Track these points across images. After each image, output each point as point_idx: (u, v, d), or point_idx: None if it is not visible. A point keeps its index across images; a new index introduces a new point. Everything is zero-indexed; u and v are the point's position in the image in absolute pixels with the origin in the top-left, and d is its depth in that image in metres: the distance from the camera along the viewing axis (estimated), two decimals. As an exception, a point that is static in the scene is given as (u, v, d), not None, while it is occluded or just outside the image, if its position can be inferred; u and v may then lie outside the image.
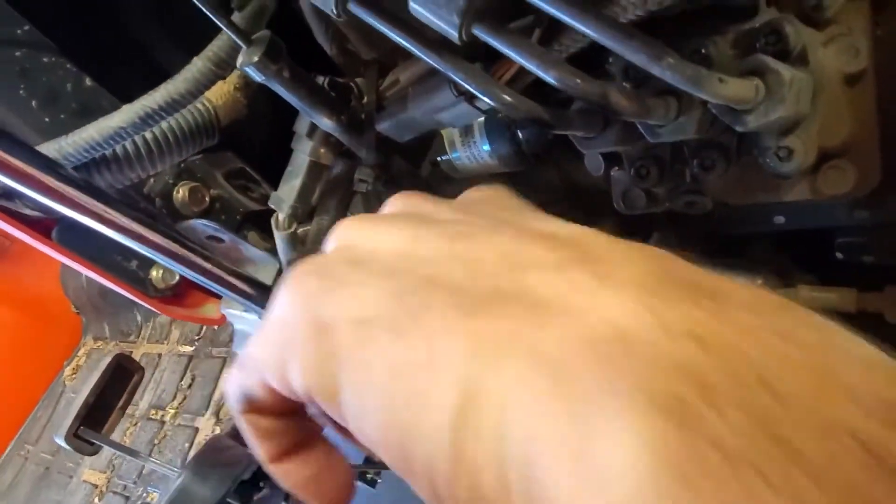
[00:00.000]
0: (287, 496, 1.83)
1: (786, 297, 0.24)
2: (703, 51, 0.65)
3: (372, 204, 1.33)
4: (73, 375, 3.00)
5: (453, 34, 0.54)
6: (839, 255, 0.78)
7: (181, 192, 0.96)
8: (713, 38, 0.66)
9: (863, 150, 0.62)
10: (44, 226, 0.94)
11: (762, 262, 0.86)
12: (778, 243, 0.87)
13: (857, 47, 0.61)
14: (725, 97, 0.48)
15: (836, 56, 0.61)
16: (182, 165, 0.97)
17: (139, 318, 2.85)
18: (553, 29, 0.63)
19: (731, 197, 0.71)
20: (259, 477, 1.76)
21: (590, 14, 0.48)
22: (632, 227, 1.05)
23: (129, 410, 2.43)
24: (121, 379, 1.72)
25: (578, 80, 0.50)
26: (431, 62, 0.58)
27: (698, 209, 0.73)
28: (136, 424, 2.34)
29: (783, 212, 0.75)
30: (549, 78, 0.51)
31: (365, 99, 0.82)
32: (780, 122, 0.57)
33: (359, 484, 2.14)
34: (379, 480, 2.20)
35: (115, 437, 2.19)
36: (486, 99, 0.55)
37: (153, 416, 2.31)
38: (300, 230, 1.03)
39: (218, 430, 2.00)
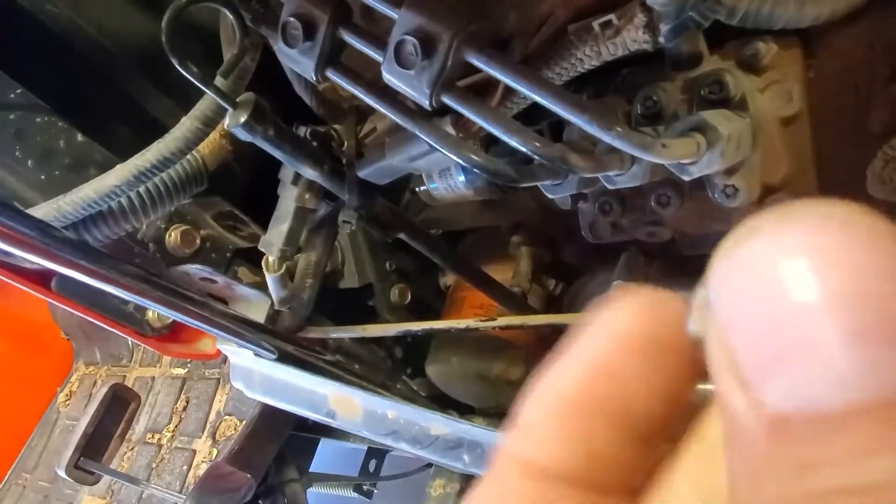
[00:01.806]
0: (287, 515, 1.88)
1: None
2: (654, 97, 0.71)
3: (356, 234, 1.38)
4: (67, 402, 3.01)
5: (424, 102, 0.60)
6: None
7: (173, 236, 1.01)
8: (663, 85, 0.72)
9: (800, 184, 0.69)
10: (42, 275, 0.98)
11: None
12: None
13: (790, 92, 0.67)
14: (669, 158, 0.54)
15: (772, 101, 0.67)
16: (172, 210, 1.02)
17: (130, 342, 2.87)
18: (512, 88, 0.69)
19: (687, 226, 0.77)
20: (258, 496, 1.80)
21: (546, 88, 0.54)
22: (602, 248, 1.12)
23: (125, 435, 2.46)
24: (118, 408, 1.76)
25: (538, 144, 0.56)
26: (406, 126, 0.63)
27: (658, 238, 0.79)
28: (133, 449, 2.37)
29: (737, 237, 0.82)
30: (513, 142, 0.57)
31: (345, 145, 0.87)
32: (723, 169, 0.64)
33: (355, 495, 2.19)
34: (375, 491, 2.25)
35: (113, 462, 2.22)
36: (456, 159, 0.61)
37: (150, 441, 2.34)
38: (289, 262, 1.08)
39: (215, 452, 2.04)
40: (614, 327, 0.21)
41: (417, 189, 1.15)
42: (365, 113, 0.90)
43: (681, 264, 1.00)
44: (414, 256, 1.50)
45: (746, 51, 0.68)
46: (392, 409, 0.86)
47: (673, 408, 0.21)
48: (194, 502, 1.19)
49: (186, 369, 2.49)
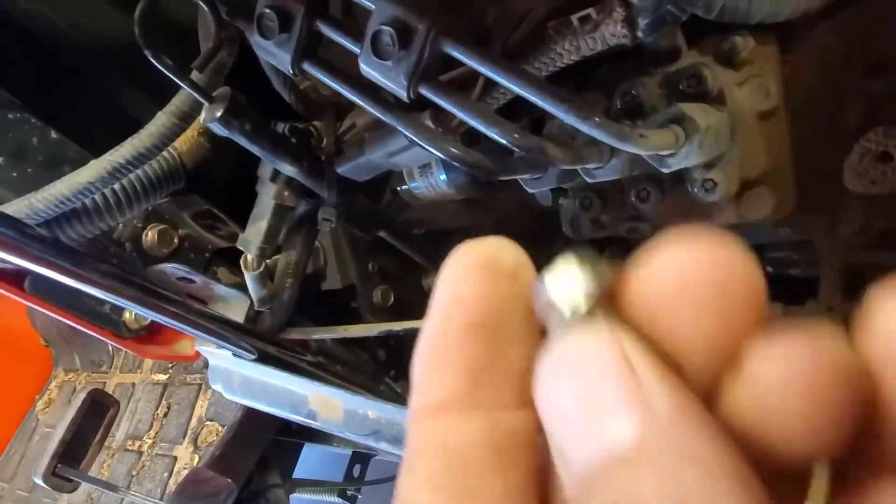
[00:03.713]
0: (269, 520, 1.86)
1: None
2: (632, 92, 0.71)
3: (338, 231, 1.37)
4: (46, 409, 2.96)
5: (402, 94, 0.59)
6: (769, 269, 0.85)
7: (150, 235, 0.99)
8: (642, 79, 0.72)
9: (778, 178, 0.69)
10: (16, 275, 0.96)
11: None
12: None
13: (767, 87, 0.67)
14: (648, 149, 0.54)
15: (750, 95, 0.68)
16: (149, 209, 1.00)
17: (110, 348, 2.83)
18: (492, 81, 0.69)
19: (668, 222, 0.77)
20: (241, 502, 1.78)
21: (525, 78, 0.54)
22: (586, 242, 1.12)
23: (105, 442, 2.42)
24: (96, 414, 1.73)
25: (517, 136, 0.55)
26: (384, 119, 0.63)
27: (639, 234, 0.79)
28: (113, 456, 2.33)
29: (717, 232, 0.82)
30: (492, 134, 0.56)
31: (324, 142, 0.86)
32: (702, 161, 0.64)
33: (339, 501, 2.17)
34: (360, 497, 2.23)
35: (93, 470, 2.18)
36: (434, 152, 0.60)
37: (130, 447, 2.30)
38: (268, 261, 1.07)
39: (196, 458, 2.01)
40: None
41: (399, 188, 1.14)
42: (344, 109, 0.89)
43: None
44: (397, 257, 1.49)
45: (724, 45, 0.68)
46: (373, 409, 0.85)
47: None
48: (173, 508, 1.17)
49: (167, 375, 2.45)
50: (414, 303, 1.53)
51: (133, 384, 2.57)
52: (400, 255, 1.51)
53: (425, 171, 1.07)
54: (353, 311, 1.47)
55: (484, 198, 1.17)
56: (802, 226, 0.75)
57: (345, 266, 1.41)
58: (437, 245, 1.45)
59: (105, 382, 2.74)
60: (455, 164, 0.60)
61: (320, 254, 1.39)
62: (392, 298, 1.46)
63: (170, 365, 2.48)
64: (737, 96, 0.67)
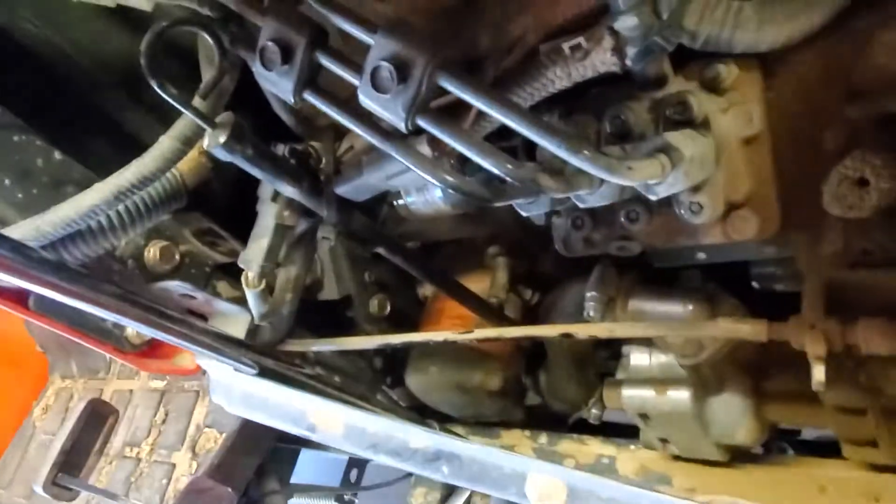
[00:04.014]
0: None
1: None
2: (621, 117, 0.74)
3: (335, 246, 1.39)
4: (43, 416, 2.97)
5: (400, 125, 0.61)
6: (755, 285, 0.87)
7: (152, 252, 1.01)
8: (630, 104, 0.75)
9: (762, 200, 0.72)
10: (19, 293, 0.98)
11: (692, 289, 0.95)
12: (705, 272, 0.96)
13: (751, 113, 0.70)
14: (634, 179, 0.56)
15: (734, 121, 0.70)
16: (152, 227, 1.02)
17: (107, 354, 2.84)
18: (489, 107, 0.71)
19: (656, 241, 0.80)
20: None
21: (517, 112, 0.56)
22: (576, 259, 1.14)
23: (104, 450, 2.43)
24: (96, 423, 1.75)
25: (510, 166, 0.58)
26: (383, 148, 0.65)
27: (629, 252, 0.82)
28: (111, 463, 2.35)
29: (703, 250, 0.85)
30: (486, 164, 0.59)
31: (323, 162, 0.89)
32: (687, 188, 0.66)
33: (337, 506, 2.19)
34: (356, 501, 2.25)
35: (92, 477, 2.20)
36: (435, 183, 0.63)
37: (128, 455, 2.31)
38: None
39: (195, 465, 2.03)
40: None
41: (395, 203, 1.16)
42: (342, 131, 0.91)
43: (652, 275, 1.03)
44: (393, 267, 1.51)
45: (708, 72, 0.71)
46: (372, 423, 0.87)
47: None
48: (175, 518, 1.19)
49: (165, 381, 2.47)
50: (410, 312, 1.55)
51: (131, 391, 2.59)
52: (396, 266, 1.54)
53: (422, 188, 1.09)
54: (350, 320, 1.49)
55: (478, 212, 1.20)
56: (786, 244, 0.77)
57: (342, 277, 1.43)
58: (432, 255, 1.47)
59: (102, 389, 2.75)
60: (455, 192, 0.63)
61: (317, 265, 1.41)
62: (389, 308, 1.49)
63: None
64: (721, 122, 0.70)
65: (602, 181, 0.66)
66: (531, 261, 1.33)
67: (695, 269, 0.98)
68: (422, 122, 0.61)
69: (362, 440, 0.87)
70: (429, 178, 0.63)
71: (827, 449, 1.18)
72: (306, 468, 2.31)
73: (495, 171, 0.58)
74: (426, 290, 1.55)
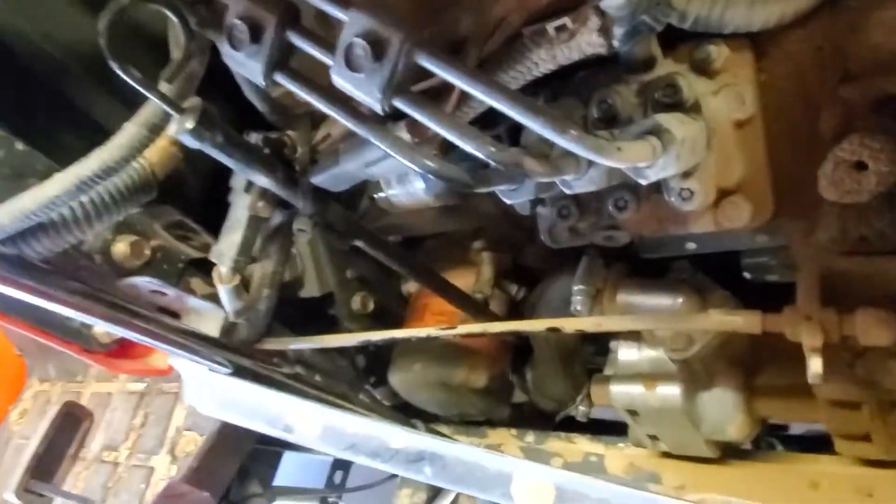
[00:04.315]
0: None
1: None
2: (609, 101, 0.71)
3: (315, 242, 1.35)
4: (21, 420, 2.89)
5: (376, 107, 0.58)
6: (746, 275, 0.85)
7: (121, 247, 0.97)
8: (617, 88, 0.72)
9: (755, 187, 0.69)
10: (-20, 291, 0.93)
11: (681, 281, 0.93)
12: (695, 263, 0.93)
13: (743, 96, 0.67)
14: (624, 161, 0.53)
15: (726, 104, 0.68)
16: (120, 220, 0.98)
17: (75, 354, 2.77)
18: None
19: (645, 230, 0.77)
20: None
21: (501, 91, 0.53)
22: (563, 251, 1.11)
23: (80, 454, 2.36)
24: (70, 427, 1.70)
25: (493, 149, 0.55)
26: (360, 132, 0.62)
27: (617, 242, 0.79)
28: (88, 468, 2.28)
29: (694, 239, 0.82)
30: (468, 148, 0.56)
31: (298, 152, 0.85)
32: (678, 173, 0.63)
33: (321, 509, 2.15)
34: (341, 503, 2.21)
35: (67, 483, 2.13)
36: (411, 166, 0.59)
37: (106, 459, 2.25)
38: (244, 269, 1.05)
39: (174, 469, 1.97)
40: None
41: (376, 196, 1.13)
42: (319, 119, 0.88)
43: (640, 267, 1.00)
44: (375, 263, 1.48)
45: (698, 54, 0.68)
46: (351, 423, 0.83)
47: None
48: (149, 524, 1.14)
49: (145, 384, 2.40)
50: (393, 309, 1.51)
51: (109, 394, 2.52)
52: (379, 261, 1.50)
53: (403, 180, 1.05)
54: (332, 318, 1.45)
55: (462, 204, 1.17)
56: (779, 232, 0.75)
57: (322, 273, 1.39)
58: (414, 251, 1.44)
59: (80, 392, 2.68)
60: (435, 177, 0.59)
61: (297, 261, 1.37)
62: (371, 305, 1.45)
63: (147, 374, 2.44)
64: (712, 105, 0.67)
65: (589, 165, 0.63)
66: (517, 255, 1.30)
67: (684, 260, 0.96)
68: (399, 104, 0.58)
69: (341, 441, 0.84)
70: (408, 163, 0.59)
71: (816, 444, 1.16)
72: (290, 470, 2.26)
73: (478, 154, 0.55)
74: (410, 286, 1.52)
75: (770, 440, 1.48)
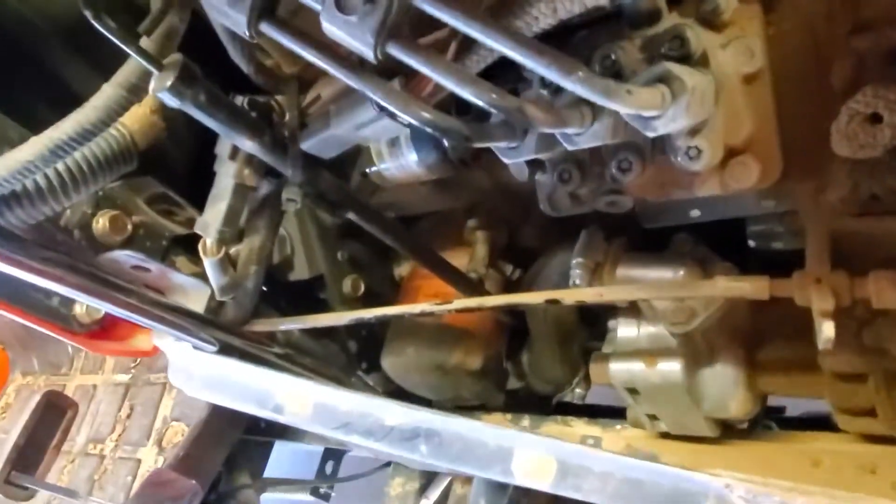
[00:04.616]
0: (239, 523, 1.79)
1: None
2: (612, 56, 0.68)
3: (304, 218, 1.32)
4: (4, 414, 2.84)
5: (368, 53, 0.54)
6: (751, 243, 0.82)
7: (101, 222, 0.93)
8: (621, 43, 0.68)
9: (764, 145, 0.66)
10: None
11: (684, 253, 0.90)
12: (697, 235, 0.91)
13: (752, 49, 0.64)
14: (634, 106, 0.50)
15: (734, 58, 0.65)
16: (100, 193, 0.94)
17: (70, 348, 2.72)
18: (468, 42, 0.64)
19: (648, 194, 0.74)
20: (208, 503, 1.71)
21: (502, 32, 0.49)
22: (560, 225, 1.08)
23: (66, 447, 2.31)
24: (53, 417, 1.65)
25: (494, 96, 0.52)
26: (350, 82, 0.58)
27: (619, 208, 0.76)
28: (73, 461, 2.24)
29: (698, 205, 0.79)
30: (466, 94, 0.52)
31: (287, 116, 0.81)
32: (688, 126, 0.60)
33: (312, 499, 2.11)
34: (333, 494, 2.18)
35: (52, 476, 2.09)
36: (405, 117, 0.56)
37: (92, 452, 2.21)
38: (231, 249, 1.01)
39: (161, 460, 1.93)
40: None
41: (368, 170, 1.09)
42: (307, 82, 0.84)
43: (641, 241, 0.98)
44: (367, 245, 1.44)
45: (706, 5, 0.65)
46: (344, 400, 0.80)
47: None
48: (133, 511, 1.11)
49: (130, 375, 2.36)
50: (385, 292, 1.48)
51: (94, 386, 2.48)
52: (370, 243, 1.46)
53: (395, 152, 1.02)
54: (322, 302, 1.42)
55: (455, 179, 1.13)
56: (787, 196, 0.72)
57: (313, 255, 1.36)
58: (409, 230, 1.40)
59: (65, 385, 2.63)
60: (427, 129, 0.56)
61: (287, 243, 1.34)
62: (362, 288, 1.41)
63: (132, 364, 2.39)
64: (720, 59, 0.64)
65: (594, 118, 0.60)
66: (512, 234, 1.27)
67: (686, 233, 0.93)
68: (393, 51, 0.54)
69: (333, 419, 0.80)
70: (402, 114, 0.56)
71: (814, 426, 1.14)
72: (281, 462, 2.23)
73: (478, 101, 0.52)
74: (402, 269, 1.48)
75: (767, 423, 1.46)
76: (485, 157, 1.02)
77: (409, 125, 0.73)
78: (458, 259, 1.26)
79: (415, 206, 1.25)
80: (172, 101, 0.68)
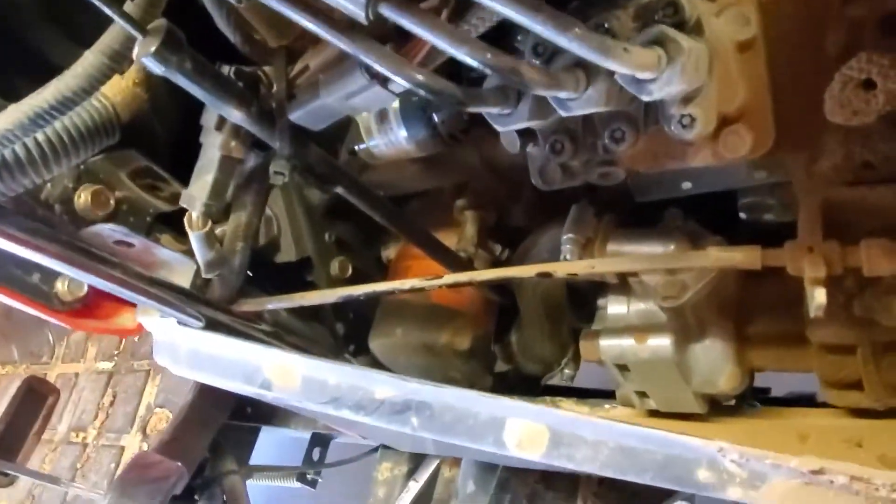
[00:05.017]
0: (225, 506, 1.78)
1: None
2: (605, 25, 0.67)
3: (291, 197, 1.30)
4: (-19, 405, 2.79)
5: (360, 14, 0.53)
6: (743, 216, 0.82)
7: (83, 197, 0.91)
8: (614, 12, 0.68)
9: (757, 114, 0.66)
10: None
11: (674, 228, 0.90)
12: (687, 211, 0.91)
13: (746, 16, 0.64)
14: (631, 65, 0.50)
15: (728, 25, 0.64)
16: (82, 167, 0.92)
17: (51, 337, 2.67)
18: (461, 7, 0.63)
19: (641, 165, 0.74)
20: (193, 490, 1.70)
21: (494, -11, 0.49)
22: (550, 202, 1.08)
23: (47, 436, 2.28)
24: (33, 403, 1.62)
25: (489, 55, 0.51)
26: (340, 45, 0.57)
27: (612, 179, 0.76)
28: (55, 450, 2.21)
29: (690, 178, 0.79)
30: (460, 54, 0.51)
31: (274, 88, 0.80)
32: (681, 93, 0.60)
33: (299, 485, 2.10)
34: (320, 480, 2.17)
35: (34, 465, 2.05)
36: (398, 79, 0.55)
37: (74, 440, 2.18)
38: (217, 230, 0.99)
39: (145, 447, 1.91)
40: None
41: (357, 147, 1.08)
42: (296, 53, 0.82)
43: (632, 216, 0.98)
44: (355, 226, 1.43)
45: (700, -27, 0.64)
46: (333, 374, 0.79)
47: None
48: (117, 496, 1.09)
49: (113, 363, 2.33)
50: (373, 274, 1.47)
51: (76, 374, 2.44)
52: (358, 224, 1.45)
53: (384, 128, 1.01)
54: (310, 284, 1.40)
55: (445, 157, 1.12)
56: (779, 166, 0.72)
57: (300, 236, 1.34)
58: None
59: (46, 374, 2.59)
60: (421, 92, 0.55)
61: (273, 223, 1.32)
62: (350, 270, 1.40)
63: (115, 352, 2.36)
64: (714, 26, 0.64)
65: (588, 83, 0.59)
66: (501, 214, 1.27)
67: (676, 208, 0.93)
68: (386, 11, 0.53)
69: (323, 393, 0.79)
70: (395, 76, 0.55)
71: (799, 405, 1.15)
72: (267, 449, 2.22)
73: (473, 60, 0.51)
74: (390, 252, 1.47)
75: (752, 403, 1.47)
76: (474, 133, 1.01)
77: (400, 98, 0.72)
78: (447, 240, 1.25)
79: (404, 185, 1.24)
80: (157, 68, 0.66)
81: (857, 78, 0.58)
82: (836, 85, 0.60)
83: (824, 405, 1.04)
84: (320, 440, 2.09)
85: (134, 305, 0.97)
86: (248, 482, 1.96)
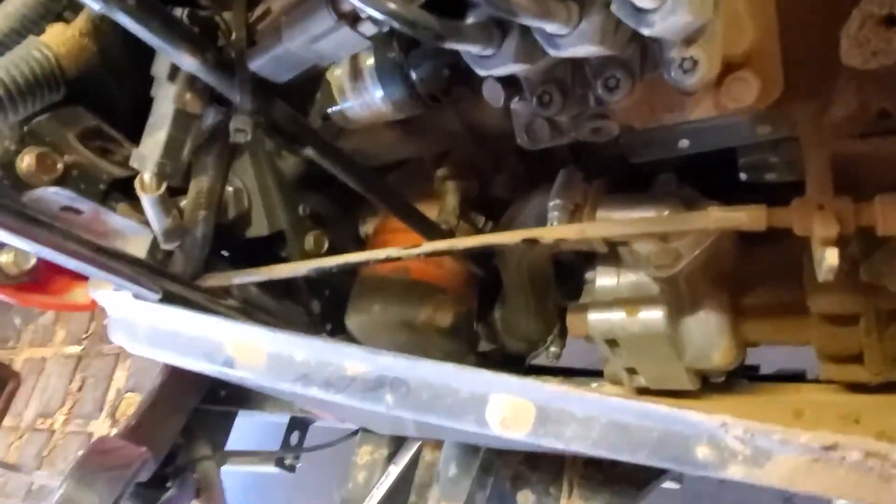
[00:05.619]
0: (198, 492, 1.72)
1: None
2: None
3: (262, 167, 1.22)
4: (-57, 392, 2.68)
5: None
6: (743, 176, 0.77)
7: (26, 160, 0.82)
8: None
9: (764, 58, 0.60)
10: None
11: (668, 193, 0.85)
12: (682, 176, 0.85)
13: (753, -52, 0.58)
14: (630, -13, 0.43)
15: (735, -43, 0.58)
16: (25, 128, 0.83)
17: (17, 320, 2.57)
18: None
19: (636, 119, 0.68)
20: (165, 477, 1.63)
21: None
22: (536, 167, 1.02)
23: (13, 423, 2.19)
24: (-8, 389, 1.54)
25: (468, -24, 0.44)
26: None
27: (604, 135, 0.70)
28: (21, 437, 2.12)
29: (687, 135, 0.73)
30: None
31: (234, 35, 0.72)
32: (685, 29, 0.54)
33: (277, 470, 2.04)
34: (299, 465, 2.11)
35: (-2, 453, 1.97)
36: (369, 9, 0.48)
37: (41, 427, 2.09)
38: (181, 202, 0.92)
39: (114, 433, 1.83)
40: None
41: (330, 111, 1.00)
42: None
43: (622, 182, 0.92)
44: (330, 199, 1.36)
45: None
46: (301, 349, 0.73)
47: None
48: (74, 483, 1.02)
49: (82, 347, 2.24)
50: (350, 250, 1.40)
51: (44, 358, 2.34)
52: (334, 197, 1.38)
53: (359, 87, 0.94)
54: (283, 261, 1.33)
55: (425, 122, 1.06)
56: (785, 119, 0.67)
57: (272, 209, 1.26)
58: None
59: (12, 359, 2.49)
60: (394, 24, 0.48)
61: (244, 196, 1.24)
62: (326, 244, 1.33)
63: (84, 336, 2.27)
64: (720, -41, 0.58)
65: (581, 16, 0.52)
66: (483, 184, 1.20)
67: (670, 173, 0.88)
68: (351, -72, 0.46)
69: (289, 371, 0.73)
70: (366, 6, 0.48)
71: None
72: (245, 434, 2.15)
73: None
74: (367, 227, 1.41)
75: (742, 381, 1.44)
76: (455, 94, 0.94)
77: (371, 39, 0.65)
78: (428, 211, 1.19)
79: (382, 154, 1.17)
80: (96, 4, 0.59)
81: (878, 14, 0.53)
82: (854, 22, 0.54)
83: (815, 382, 1.01)
84: (298, 424, 2.03)
85: (86, 279, 0.90)
86: (227, 468, 1.90)
